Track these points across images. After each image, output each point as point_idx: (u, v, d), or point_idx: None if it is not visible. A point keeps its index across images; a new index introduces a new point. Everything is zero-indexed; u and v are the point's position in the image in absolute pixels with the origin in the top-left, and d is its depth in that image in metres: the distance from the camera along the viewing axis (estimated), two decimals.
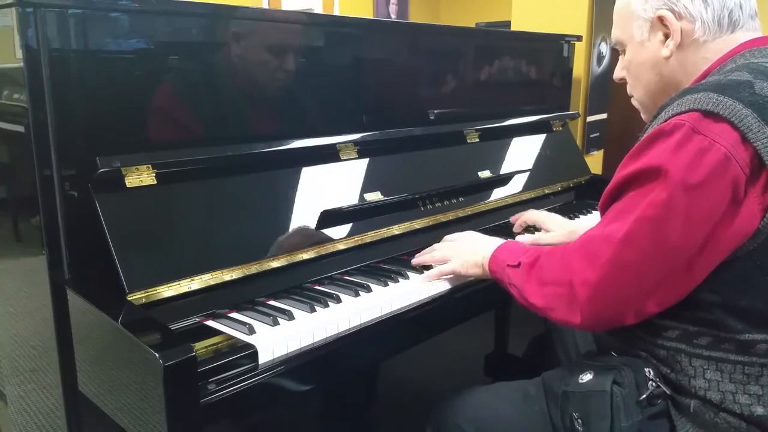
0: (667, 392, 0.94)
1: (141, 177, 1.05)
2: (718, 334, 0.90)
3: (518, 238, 1.51)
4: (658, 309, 0.91)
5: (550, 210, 1.82)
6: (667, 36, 0.99)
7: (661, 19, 0.98)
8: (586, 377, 0.97)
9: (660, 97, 1.03)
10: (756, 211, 0.84)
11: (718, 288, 0.88)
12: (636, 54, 1.05)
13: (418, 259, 1.30)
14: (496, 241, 1.19)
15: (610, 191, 0.96)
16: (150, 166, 1.06)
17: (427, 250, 1.31)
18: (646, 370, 0.94)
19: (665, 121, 0.89)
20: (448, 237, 1.34)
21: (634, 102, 1.13)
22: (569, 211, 1.81)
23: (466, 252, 1.22)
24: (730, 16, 0.96)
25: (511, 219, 1.61)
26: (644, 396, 0.92)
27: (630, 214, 0.89)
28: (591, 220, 1.74)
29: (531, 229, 1.58)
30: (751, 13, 0.99)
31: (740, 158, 0.82)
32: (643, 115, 1.12)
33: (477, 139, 1.71)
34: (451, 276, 1.23)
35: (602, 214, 1.00)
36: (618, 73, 1.13)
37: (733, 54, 0.96)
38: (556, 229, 1.51)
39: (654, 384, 0.93)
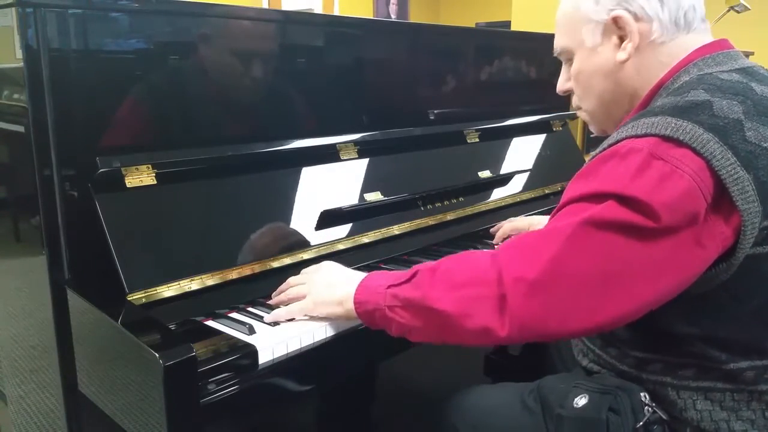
0: (664, 417, 0.90)
1: (141, 177, 1.05)
2: (702, 364, 0.87)
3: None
4: (586, 326, 0.83)
5: (550, 210, 1.82)
6: (622, 39, 0.94)
7: (616, 21, 0.92)
8: (581, 401, 0.92)
9: (614, 106, 0.99)
10: (718, 241, 0.80)
11: (695, 321, 0.85)
12: (587, 61, 0.98)
13: (274, 299, 1.09)
14: (359, 274, 1.02)
15: (556, 212, 0.89)
16: (150, 166, 1.06)
17: (283, 285, 1.10)
18: (642, 394, 0.90)
19: (617, 141, 0.83)
20: (306, 270, 1.11)
21: (581, 114, 1.07)
22: None
23: (319, 287, 1.03)
24: (685, 17, 0.92)
25: (492, 230, 1.54)
26: (641, 423, 0.88)
27: (577, 215, 0.81)
28: None
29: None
30: (701, 16, 0.95)
31: (704, 186, 0.77)
32: (592, 128, 1.07)
33: (477, 139, 1.71)
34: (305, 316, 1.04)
35: None
36: (562, 85, 1.06)
37: (687, 63, 0.91)
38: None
39: (650, 409, 0.89)
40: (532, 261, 0.81)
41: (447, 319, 0.86)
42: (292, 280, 1.10)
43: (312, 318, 1.03)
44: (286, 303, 1.06)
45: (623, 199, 0.78)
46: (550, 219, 0.89)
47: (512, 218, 1.53)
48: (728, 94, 0.83)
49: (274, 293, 1.11)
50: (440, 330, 0.88)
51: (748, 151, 0.79)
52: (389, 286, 0.93)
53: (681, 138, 0.78)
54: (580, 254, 0.80)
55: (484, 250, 0.91)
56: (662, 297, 0.82)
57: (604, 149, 0.86)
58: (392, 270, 1.12)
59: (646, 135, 0.81)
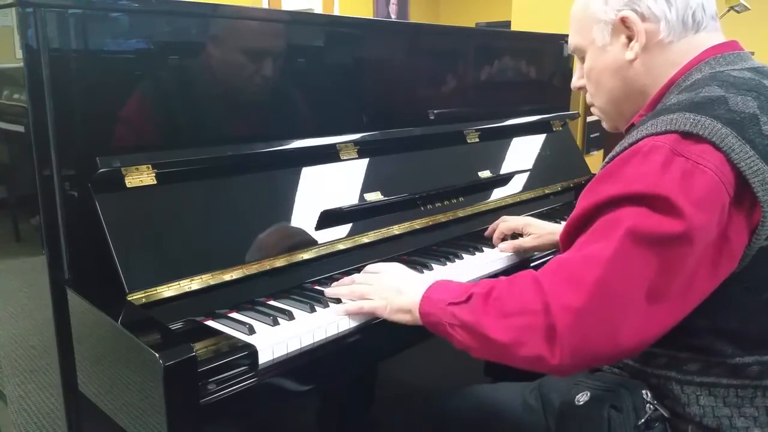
0: (666, 415, 0.91)
1: (141, 177, 1.05)
2: (707, 359, 0.88)
3: (499, 246, 1.44)
4: (636, 343, 0.83)
5: (550, 210, 1.82)
6: (630, 38, 0.95)
7: (623, 21, 0.94)
8: (583, 399, 0.93)
9: (624, 104, 1.01)
10: (744, 235, 0.81)
11: (708, 312, 0.85)
12: (597, 59, 1.00)
13: (332, 290, 1.13)
14: (425, 280, 1.04)
15: (579, 219, 0.89)
16: (150, 166, 1.06)
17: (345, 280, 1.15)
18: (644, 392, 0.91)
19: (637, 141, 0.84)
20: (370, 268, 1.17)
21: (594, 111, 1.09)
22: (569, 211, 1.80)
23: (389, 292, 1.05)
24: (693, 16, 0.93)
25: (486, 233, 1.53)
26: (642, 420, 0.89)
27: (612, 233, 0.81)
28: None
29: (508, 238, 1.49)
30: (712, 14, 0.96)
31: (726, 180, 0.79)
32: (604, 124, 1.09)
33: (477, 139, 1.71)
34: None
35: (566, 244, 0.92)
36: (576, 82, 1.09)
37: (698, 61, 0.93)
38: (536, 231, 1.42)
39: (652, 407, 0.90)
40: (576, 288, 0.81)
41: (500, 346, 0.87)
42: (357, 277, 1.14)
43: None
44: (346, 297, 1.10)
45: (652, 201, 0.79)
46: (570, 228, 0.90)
47: (505, 217, 1.52)
48: (742, 89, 0.85)
49: (335, 284, 1.15)
50: (496, 355, 0.90)
51: (766, 144, 0.81)
52: (449, 303, 0.94)
53: (700, 133, 0.80)
54: (623, 275, 0.80)
55: (531, 271, 0.90)
56: (704, 296, 0.83)
57: (625, 148, 0.86)
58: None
59: (666, 132, 0.82)
